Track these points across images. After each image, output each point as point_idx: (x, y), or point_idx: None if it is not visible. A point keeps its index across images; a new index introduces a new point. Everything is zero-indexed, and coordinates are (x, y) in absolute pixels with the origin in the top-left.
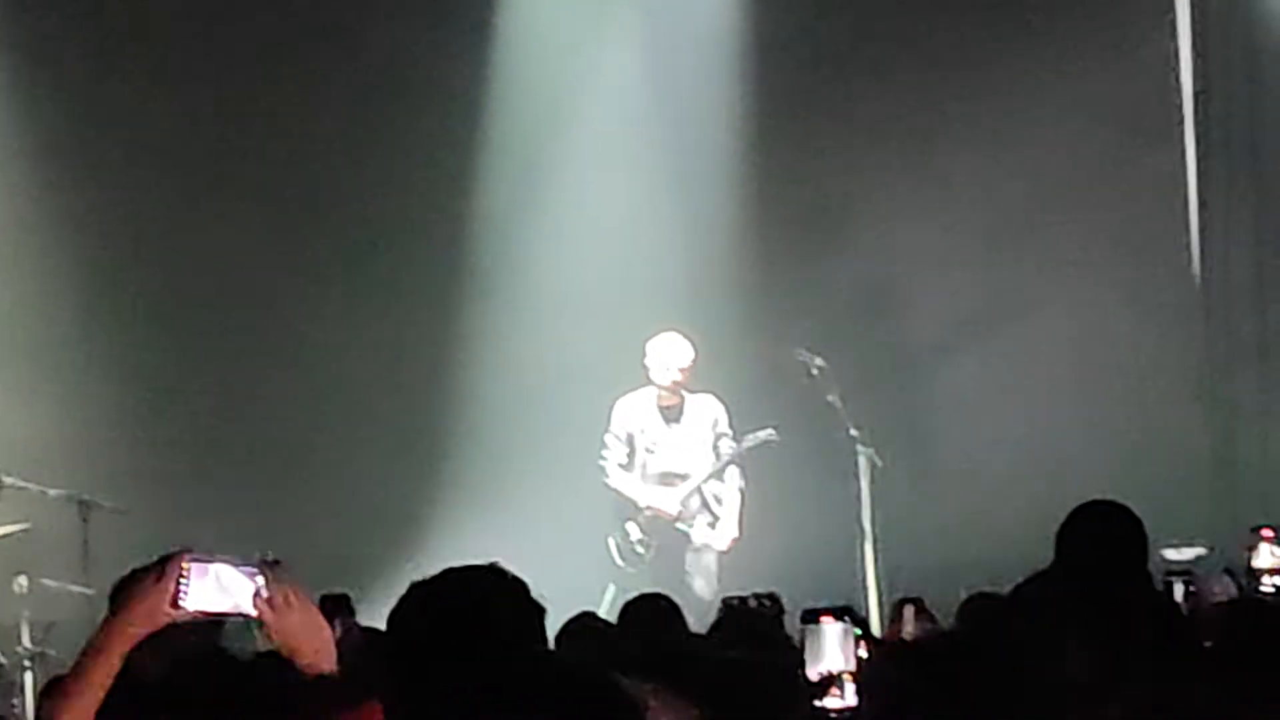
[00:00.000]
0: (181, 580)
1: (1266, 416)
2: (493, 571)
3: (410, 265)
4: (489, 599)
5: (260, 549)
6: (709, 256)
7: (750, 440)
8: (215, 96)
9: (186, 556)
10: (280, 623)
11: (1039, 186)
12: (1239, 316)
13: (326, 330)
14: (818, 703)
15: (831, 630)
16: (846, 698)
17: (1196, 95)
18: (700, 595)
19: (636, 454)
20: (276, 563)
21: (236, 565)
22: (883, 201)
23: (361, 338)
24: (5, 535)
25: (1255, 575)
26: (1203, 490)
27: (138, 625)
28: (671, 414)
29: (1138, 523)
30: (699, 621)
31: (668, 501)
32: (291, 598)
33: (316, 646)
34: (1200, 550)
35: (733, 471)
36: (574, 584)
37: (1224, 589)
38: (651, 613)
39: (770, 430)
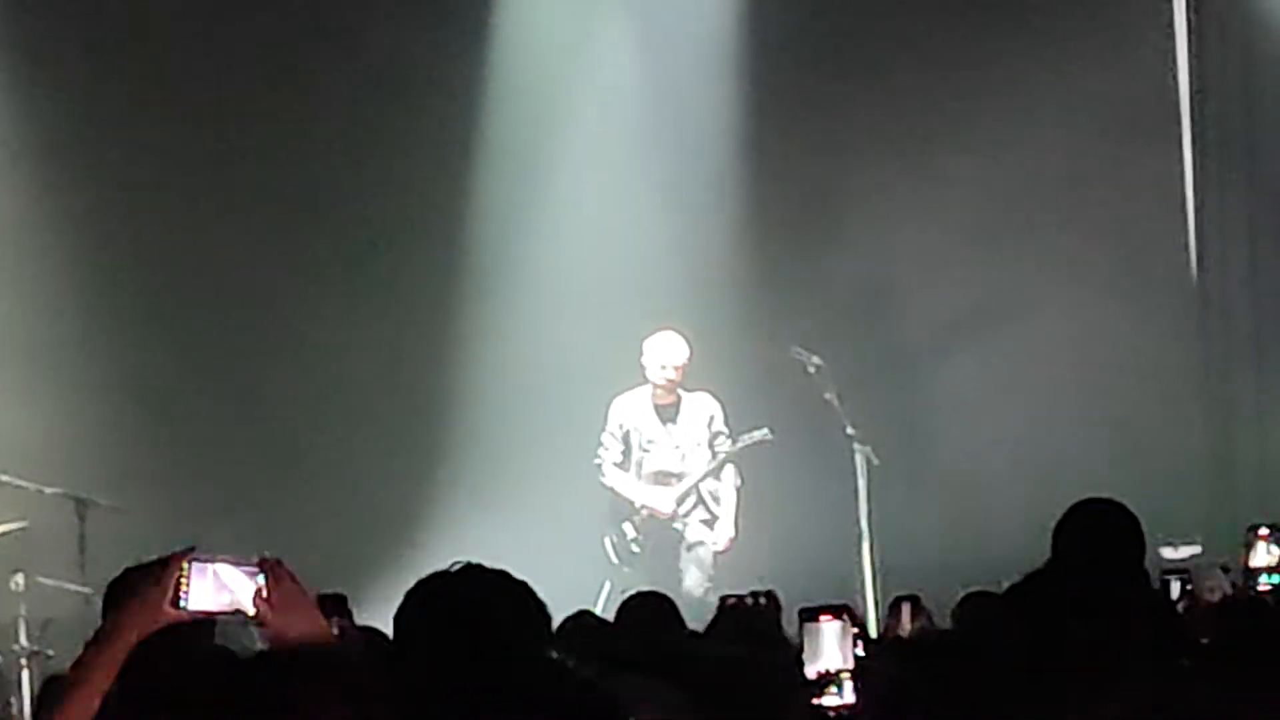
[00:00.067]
0: (181, 580)
1: (1263, 415)
2: (499, 575)
3: (409, 265)
4: (492, 601)
5: (259, 548)
6: (706, 255)
7: (745, 440)
8: (215, 96)
9: (188, 556)
10: (281, 621)
11: (1036, 186)
12: (1236, 316)
13: (326, 330)
14: (815, 701)
15: (829, 628)
16: (844, 696)
17: (1194, 96)
18: (695, 593)
19: (632, 452)
20: (276, 562)
21: (236, 564)
22: (880, 200)
23: (361, 338)
24: (2, 533)
25: (1252, 573)
26: (1199, 488)
27: (138, 625)
28: (668, 412)
29: (1134, 521)
30: (694, 619)
31: (663, 501)
32: (291, 597)
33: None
34: (1197, 548)
35: (729, 470)
36: (570, 582)
37: (1220, 587)
38: (648, 611)
39: (765, 430)
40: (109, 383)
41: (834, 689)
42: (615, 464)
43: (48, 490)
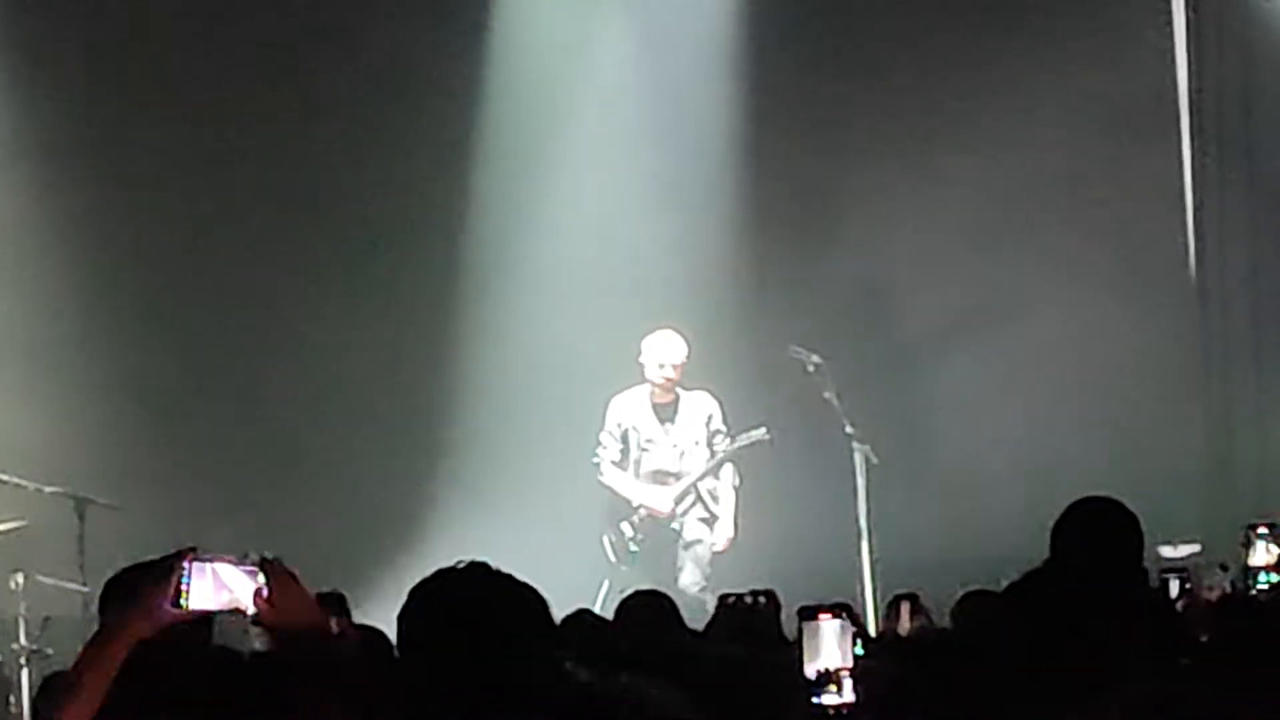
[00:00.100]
0: (181, 579)
1: (1263, 414)
2: (502, 575)
3: (409, 265)
4: (495, 601)
5: (259, 548)
6: (706, 255)
7: (743, 439)
8: (215, 96)
9: (188, 556)
10: (280, 621)
11: (1035, 186)
12: (1235, 315)
13: (326, 330)
14: (815, 700)
15: (828, 627)
16: (844, 695)
17: (1193, 96)
18: (690, 591)
19: (631, 451)
20: (276, 561)
21: (236, 564)
22: (880, 200)
23: (361, 338)
24: (2, 532)
25: (1251, 572)
26: (1198, 487)
27: (138, 624)
28: (666, 411)
29: (1133, 519)
30: (692, 618)
31: (662, 500)
32: (291, 596)
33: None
34: (1196, 547)
35: (728, 469)
36: (569, 581)
37: (1219, 585)
38: (647, 610)
39: (763, 430)
40: (109, 383)
41: (833, 688)
42: (614, 463)
43: (47, 489)
